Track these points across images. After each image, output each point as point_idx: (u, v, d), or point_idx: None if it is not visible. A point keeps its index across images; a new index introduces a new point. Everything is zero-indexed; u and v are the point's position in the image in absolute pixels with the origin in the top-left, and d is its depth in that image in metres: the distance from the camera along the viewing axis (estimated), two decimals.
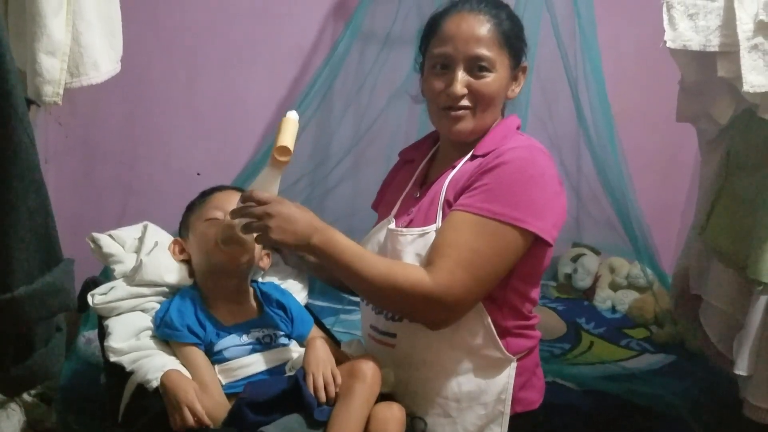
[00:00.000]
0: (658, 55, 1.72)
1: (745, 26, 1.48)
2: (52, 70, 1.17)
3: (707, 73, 1.62)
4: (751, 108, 1.62)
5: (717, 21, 1.52)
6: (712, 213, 1.89)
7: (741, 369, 1.66)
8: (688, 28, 1.53)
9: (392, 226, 1.41)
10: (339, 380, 1.26)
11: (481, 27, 1.33)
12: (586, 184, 2.93)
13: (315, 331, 1.50)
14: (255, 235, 1.27)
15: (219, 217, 1.43)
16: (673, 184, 3.01)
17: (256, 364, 1.38)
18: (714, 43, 1.53)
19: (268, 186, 1.28)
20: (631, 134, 2.65)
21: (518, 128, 1.42)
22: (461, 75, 1.33)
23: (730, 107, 1.71)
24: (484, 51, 1.32)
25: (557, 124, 2.84)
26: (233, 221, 1.33)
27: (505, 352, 1.34)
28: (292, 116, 1.32)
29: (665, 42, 1.57)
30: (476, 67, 1.33)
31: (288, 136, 1.29)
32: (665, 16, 1.56)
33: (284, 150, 1.27)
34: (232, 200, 1.43)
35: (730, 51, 1.51)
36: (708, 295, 1.90)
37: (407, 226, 1.39)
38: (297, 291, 1.63)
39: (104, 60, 1.30)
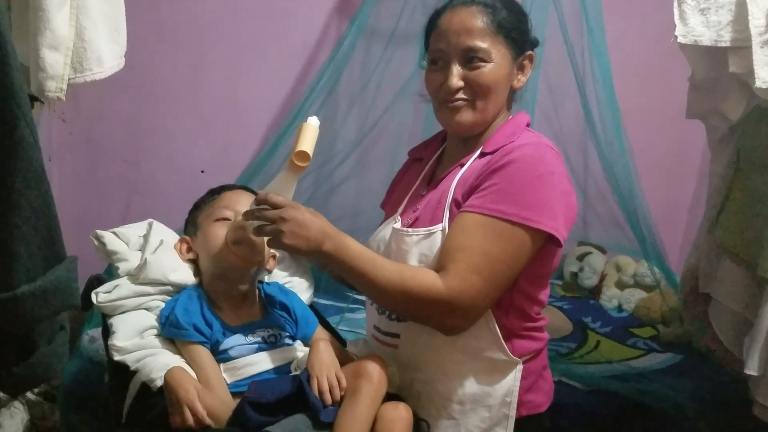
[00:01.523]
0: (666, 52, 1.71)
1: (757, 21, 1.46)
2: (56, 65, 1.16)
3: (718, 68, 1.60)
4: (763, 104, 1.61)
5: (729, 16, 1.50)
6: (721, 211, 1.88)
7: (751, 369, 1.64)
8: (700, 23, 1.52)
9: (397, 225, 1.39)
10: (344, 383, 1.25)
11: (473, 19, 1.32)
12: (592, 182, 2.92)
13: (319, 332, 1.48)
14: (266, 238, 1.26)
15: (229, 217, 1.42)
16: (681, 182, 2.99)
17: (261, 362, 1.37)
18: (725, 39, 1.51)
19: (283, 190, 1.27)
20: (638, 132, 2.64)
21: (528, 125, 1.40)
22: (456, 68, 1.33)
23: (741, 104, 1.69)
24: (476, 42, 1.31)
25: (564, 121, 2.83)
26: (245, 222, 1.32)
27: (510, 354, 1.32)
28: (313, 122, 1.31)
29: (676, 37, 1.55)
30: (470, 59, 1.32)
31: (308, 142, 1.27)
32: (676, 11, 1.54)
33: (304, 155, 1.26)
34: (242, 200, 1.41)
35: (741, 46, 1.50)
36: (717, 293, 1.89)
37: (413, 224, 1.38)
38: (302, 290, 1.62)
39: (108, 55, 1.29)
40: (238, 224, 1.37)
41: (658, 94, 2.76)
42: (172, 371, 1.26)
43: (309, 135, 1.28)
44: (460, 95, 1.33)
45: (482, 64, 1.32)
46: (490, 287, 1.25)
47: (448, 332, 1.29)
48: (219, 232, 1.40)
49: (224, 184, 1.55)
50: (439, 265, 1.27)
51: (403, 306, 1.29)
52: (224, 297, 1.42)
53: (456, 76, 1.32)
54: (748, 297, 1.76)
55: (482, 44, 1.31)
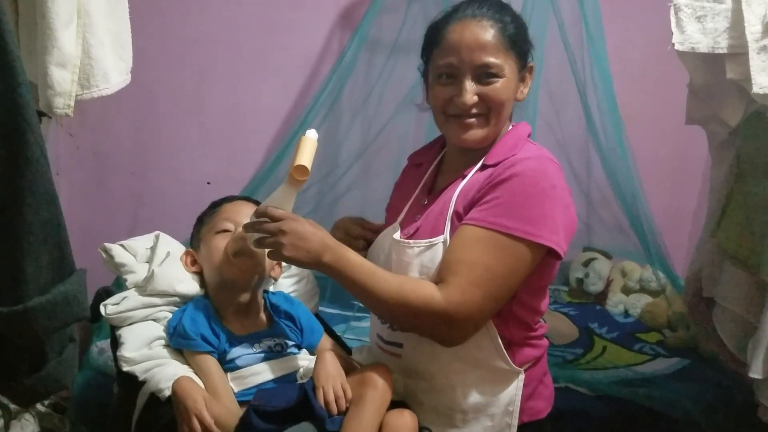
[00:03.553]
0: (666, 57, 1.72)
1: (753, 28, 1.47)
2: (63, 83, 1.18)
3: (716, 75, 1.61)
4: (761, 110, 1.61)
5: (725, 23, 1.51)
6: (723, 216, 1.88)
7: (756, 372, 1.65)
8: (696, 31, 1.53)
9: (397, 236, 1.39)
10: (349, 395, 1.26)
11: (486, 33, 1.30)
12: (596, 189, 2.92)
13: (325, 340, 1.50)
14: (267, 249, 1.27)
15: (230, 229, 1.44)
16: (684, 187, 2.99)
17: (267, 371, 1.38)
18: (722, 45, 1.52)
19: (283, 202, 1.28)
20: (640, 137, 2.65)
21: (529, 136, 1.40)
22: (469, 85, 1.31)
23: (740, 109, 1.70)
24: (491, 58, 1.29)
25: (566, 128, 2.84)
26: (245, 233, 1.34)
27: (512, 364, 1.32)
28: (312, 135, 1.30)
29: (673, 45, 1.56)
30: (484, 74, 1.31)
31: (306, 156, 1.27)
32: (673, 19, 1.55)
33: (302, 169, 1.26)
34: (242, 211, 1.43)
35: (738, 53, 1.50)
36: (721, 298, 1.89)
37: (414, 234, 1.37)
38: (308, 299, 1.63)
39: (114, 72, 1.31)
40: (239, 236, 1.39)
41: (659, 99, 2.77)
42: (179, 381, 1.27)
43: (308, 148, 1.28)
44: (474, 111, 1.32)
45: (496, 79, 1.31)
46: (490, 300, 1.25)
47: (447, 344, 1.29)
48: (220, 244, 1.43)
49: (227, 195, 1.57)
50: (439, 277, 1.27)
51: (403, 318, 1.29)
52: (229, 307, 1.44)
53: (470, 92, 1.30)
54: (751, 301, 1.77)
55: (496, 60, 1.29)
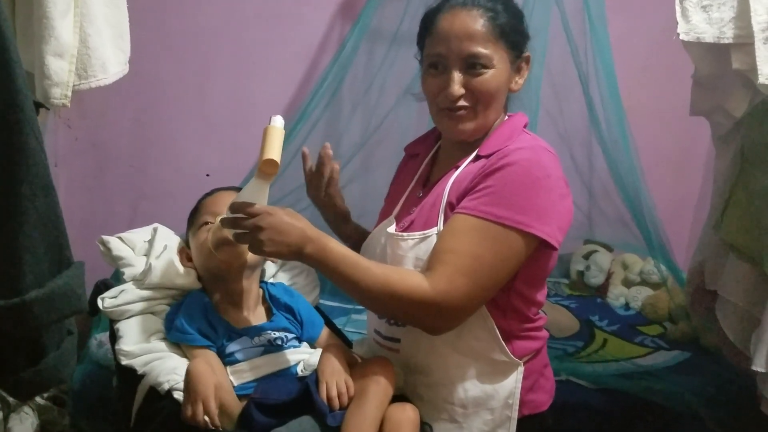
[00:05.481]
0: (670, 49, 1.70)
1: (759, 18, 1.45)
2: (60, 72, 1.17)
3: (721, 65, 1.60)
4: (766, 101, 1.60)
5: (731, 13, 1.49)
6: (726, 208, 1.87)
7: (759, 365, 1.64)
8: (702, 21, 1.51)
9: (392, 229, 1.38)
10: (352, 391, 1.25)
11: (475, 23, 1.28)
12: (598, 181, 2.92)
13: (325, 333, 1.49)
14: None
15: (211, 221, 1.43)
16: (686, 179, 2.99)
17: (267, 365, 1.37)
18: (728, 35, 1.50)
19: (257, 196, 1.24)
20: (643, 129, 2.63)
21: (525, 126, 1.38)
22: (457, 75, 1.29)
23: (745, 100, 1.69)
24: (479, 49, 1.28)
25: (568, 120, 2.82)
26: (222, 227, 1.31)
27: (511, 356, 1.31)
28: (278, 123, 1.26)
29: (678, 35, 1.54)
30: (472, 65, 1.29)
31: (275, 148, 1.23)
32: (678, 9, 1.53)
33: (272, 163, 1.22)
34: (225, 201, 1.40)
35: (744, 43, 1.49)
36: (724, 290, 1.88)
37: (408, 227, 1.36)
38: (308, 291, 1.63)
39: (112, 62, 1.30)
40: (216, 227, 1.37)
41: (663, 91, 2.76)
42: (195, 364, 1.26)
43: (276, 139, 1.24)
44: (461, 102, 1.31)
45: (484, 70, 1.29)
46: (477, 290, 1.23)
47: (434, 332, 1.28)
48: (202, 237, 1.43)
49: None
50: (428, 266, 1.26)
51: (388, 307, 1.28)
52: (224, 299, 1.43)
53: (457, 83, 1.29)
54: (754, 293, 1.76)
55: (484, 50, 1.28)
